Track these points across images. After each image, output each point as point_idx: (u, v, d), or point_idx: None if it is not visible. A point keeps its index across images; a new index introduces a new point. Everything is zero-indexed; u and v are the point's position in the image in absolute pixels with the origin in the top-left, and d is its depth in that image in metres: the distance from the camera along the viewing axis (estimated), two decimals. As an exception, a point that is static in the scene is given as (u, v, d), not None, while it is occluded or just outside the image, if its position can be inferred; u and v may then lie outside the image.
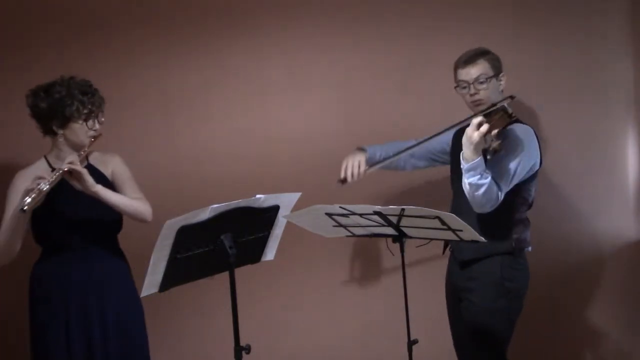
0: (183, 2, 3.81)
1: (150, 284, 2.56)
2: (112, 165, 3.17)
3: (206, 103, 3.80)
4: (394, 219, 2.85)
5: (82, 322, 2.99)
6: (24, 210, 2.80)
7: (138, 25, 3.77)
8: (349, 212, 2.85)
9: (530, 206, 3.14)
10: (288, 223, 2.87)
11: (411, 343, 2.97)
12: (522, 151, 2.97)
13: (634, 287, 3.83)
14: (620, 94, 3.81)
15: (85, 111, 2.99)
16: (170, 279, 2.60)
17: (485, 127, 2.85)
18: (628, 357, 3.83)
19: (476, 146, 2.86)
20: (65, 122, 3.00)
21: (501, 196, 2.94)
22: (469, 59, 3.11)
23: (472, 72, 3.09)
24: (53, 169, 3.00)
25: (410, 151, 3.24)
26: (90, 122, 3.02)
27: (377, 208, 2.80)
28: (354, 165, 3.19)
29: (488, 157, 2.91)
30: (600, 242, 3.81)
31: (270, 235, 2.84)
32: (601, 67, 3.80)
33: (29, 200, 2.79)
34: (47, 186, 2.83)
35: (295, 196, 2.82)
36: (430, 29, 3.81)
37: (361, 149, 3.30)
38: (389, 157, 3.20)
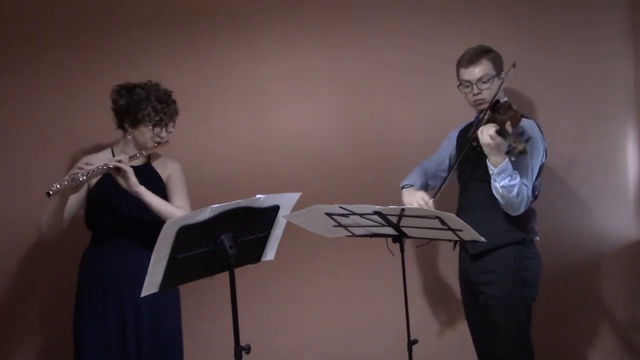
0: (181, 2, 3.81)
1: (150, 284, 2.56)
2: (170, 170, 3.29)
3: (205, 103, 3.79)
4: (394, 219, 2.85)
5: (117, 310, 3.10)
6: (49, 194, 2.88)
7: (136, 25, 3.75)
8: (349, 212, 2.85)
9: (536, 197, 3.18)
10: (288, 223, 2.86)
11: (411, 343, 2.97)
12: (534, 146, 3.02)
13: (634, 286, 3.83)
14: (620, 93, 3.81)
15: (156, 118, 3.13)
16: (170, 279, 2.59)
17: (493, 129, 2.88)
18: (628, 357, 3.83)
19: (499, 148, 2.90)
20: (136, 123, 3.14)
21: (530, 194, 3.00)
22: (471, 59, 3.12)
23: (475, 72, 3.11)
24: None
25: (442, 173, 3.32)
26: (157, 129, 3.16)
27: (377, 208, 2.80)
28: (420, 204, 3.10)
29: (512, 159, 2.92)
30: (600, 242, 3.80)
31: (270, 235, 2.83)
32: (601, 65, 3.80)
33: (57, 187, 2.89)
34: (84, 177, 2.94)
35: (295, 196, 2.82)
36: (430, 27, 3.80)
37: (408, 187, 3.26)
38: (442, 184, 3.17)
